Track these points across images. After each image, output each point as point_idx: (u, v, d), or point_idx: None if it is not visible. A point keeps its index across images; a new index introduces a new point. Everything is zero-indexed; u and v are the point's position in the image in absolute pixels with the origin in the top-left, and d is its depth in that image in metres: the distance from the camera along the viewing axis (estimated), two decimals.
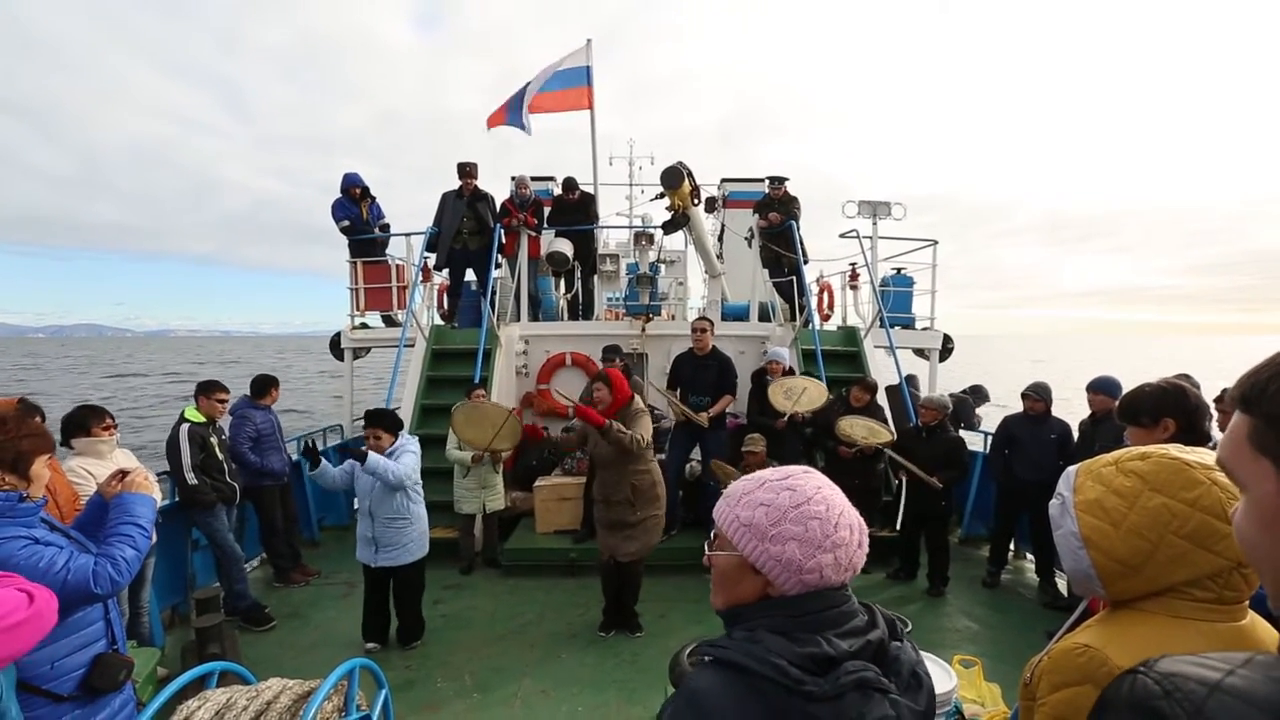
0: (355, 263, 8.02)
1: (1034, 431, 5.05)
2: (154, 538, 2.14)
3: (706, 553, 1.07)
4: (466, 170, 7.57)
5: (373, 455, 3.84)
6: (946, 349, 8.46)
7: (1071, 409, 5.13)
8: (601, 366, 5.95)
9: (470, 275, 8.04)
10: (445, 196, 7.67)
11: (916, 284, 8.73)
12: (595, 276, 8.93)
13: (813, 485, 1.01)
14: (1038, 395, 5.07)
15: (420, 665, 4.04)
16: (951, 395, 6.74)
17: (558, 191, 8.56)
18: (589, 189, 8.96)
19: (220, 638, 3.71)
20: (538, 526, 5.85)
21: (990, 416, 7.50)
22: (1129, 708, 0.59)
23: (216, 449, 4.63)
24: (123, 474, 2.22)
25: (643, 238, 8.35)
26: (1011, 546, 5.67)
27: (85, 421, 3.68)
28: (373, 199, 8.08)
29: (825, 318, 9.72)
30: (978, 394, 9.22)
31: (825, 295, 10.12)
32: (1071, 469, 1.14)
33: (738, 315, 8.90)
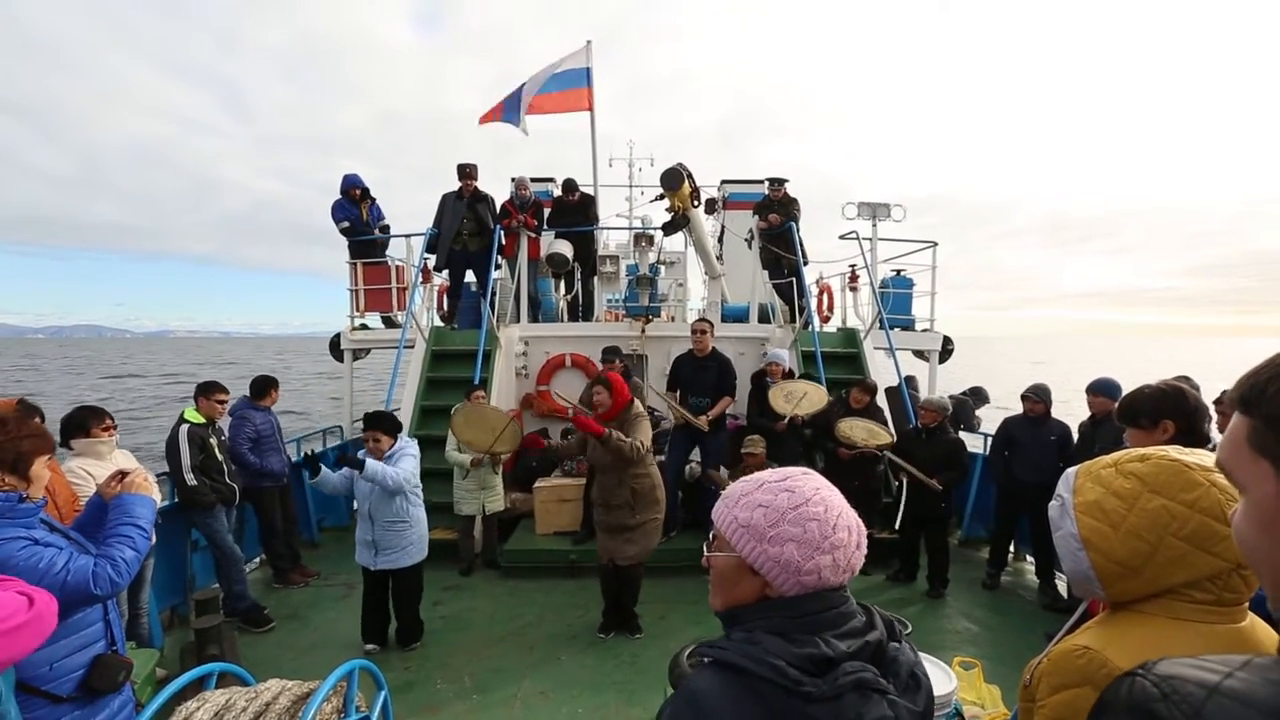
0: (355, 264, 8.03)
1: (1034, 433, 5.05)
2: (153, 539, 2.14)
3: (705, 554, 1.07)
4: (466, 171, 7.57)
5: (370, 462, 3.82)
6: (946, 350, 8.46)
7: (1071, 411, 5.13)
8: (601, 368, 5.95)
9: (470, 276, 8.04)
10: (445, 198, 7.67)
11: (916, 285, 8.73)
12: (595, 278, 8.94)
13: (811, 487, 1.02)
14: (1037, 397, 5.07)
15: (420, 666, 4.04)
16: (951, 397, 6.75)
17: (558, 193, 8.56)
18: (589, 190, 8.97)
19: (219, 639, 3.70)
20: (537, 528, 5.85)
21: (990, 418, 7.50)
22: (1127, 710, 0.59)
23: (216, 450, 4.63)
24: (122, 475, 2.22)
25: (642, 239, 8.36)
26: (1011, 548, 5.67)
27: (85, 422, 3.68)
28: (373, 200, 8.08)
29: (825, 319, 9.72)
30: (977, 396, 9.22)
31: (825, 297, 10.12)
32: (1071, 471, 1.14)
33: (737, 317, 8.91)
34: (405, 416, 6.45)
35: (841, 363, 7.10)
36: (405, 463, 3.99)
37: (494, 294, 7.40)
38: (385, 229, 8.19)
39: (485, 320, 6.81)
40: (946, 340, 8.42)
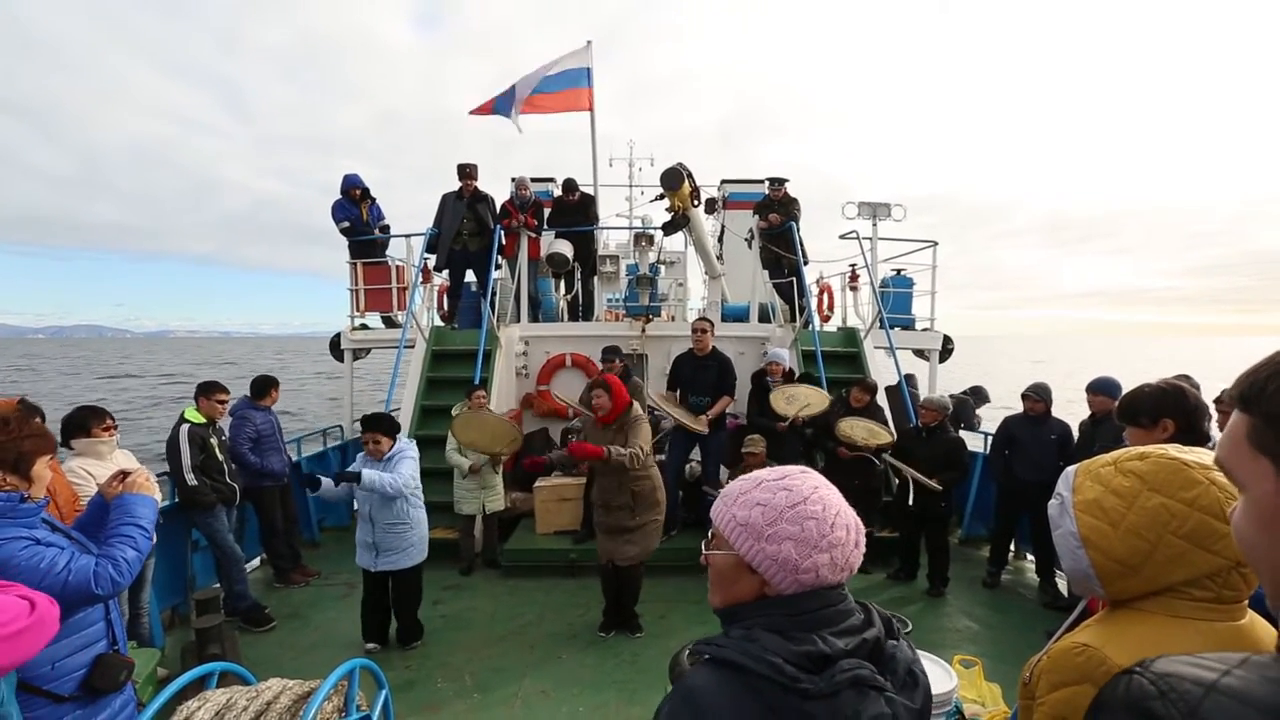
0: (355, 264, 8.03)
1: (1034, 432, 5.05)
2: (154, 539, 2.14)
3: (703, 552, 1.08)
4: (466, 171, 7.57)
5: (367, 474, 3.82)
6: (946, 350, 8.46)
7: (1072, 410, 5.13)
8: (601, 367, 5.95)
9: (470, 276, 8.05)
10: (445, 198, 7.67)
11: (916, 285, 8.73)
12: (595, 277, 8.94)
13: (809, 485, 1.02)
14: (1038, 396, 5.07)
15: (420, 666, 4.04)
16: (952, 396, 6.74)
17: (558, 193, 8.56)
18: (589, 190, 8.96)
19: (220, 638, 3.70)
20: (538, 527, 5.85)
21: (990, 418, 7.50)
22: (1124, 708, 0.59)
23: (216, 450, 4.63)
24: (124, 475, 2.22)
25: (642, 239, 8.36)
26: (1012, 547, 5.67)
27: (85, 422, 3.68)
28: (373, 200, 8.08)
29: (825, 319, 9.72)
30: (978, 395, 9.22)
31: (825, 296, 10.12)
32: (1070, 469, 1.14)
33: (738, 316, 8.91)
34: (405, 416, 6.46)
35: (842, 362, 7.10)
36: (404, 466, 3.98)
37: (494, 294, 7.40)
38: (385, 229, 8.19)
39: (485, 320, 6.81)
40: (947, 339, 8.42)
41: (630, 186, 16.22)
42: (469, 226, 7.61)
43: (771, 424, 5.48)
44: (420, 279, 7.34)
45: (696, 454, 5.99)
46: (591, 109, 9.19)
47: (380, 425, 4.04)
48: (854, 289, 9.32)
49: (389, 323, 8.38)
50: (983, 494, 6.34)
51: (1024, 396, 5.17)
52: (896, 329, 7.63)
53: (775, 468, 1.08)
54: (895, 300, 8.33)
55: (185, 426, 4.49)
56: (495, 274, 7.45)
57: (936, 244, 8.26)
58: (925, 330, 8.44)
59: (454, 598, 5.05)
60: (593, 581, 4.69)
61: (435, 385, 6.83)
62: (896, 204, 8.39)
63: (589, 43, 9.14)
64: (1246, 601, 0.99)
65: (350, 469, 4.13)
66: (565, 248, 7.90)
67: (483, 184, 7.74)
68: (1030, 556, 5.62)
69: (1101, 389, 4.38)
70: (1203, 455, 1.01)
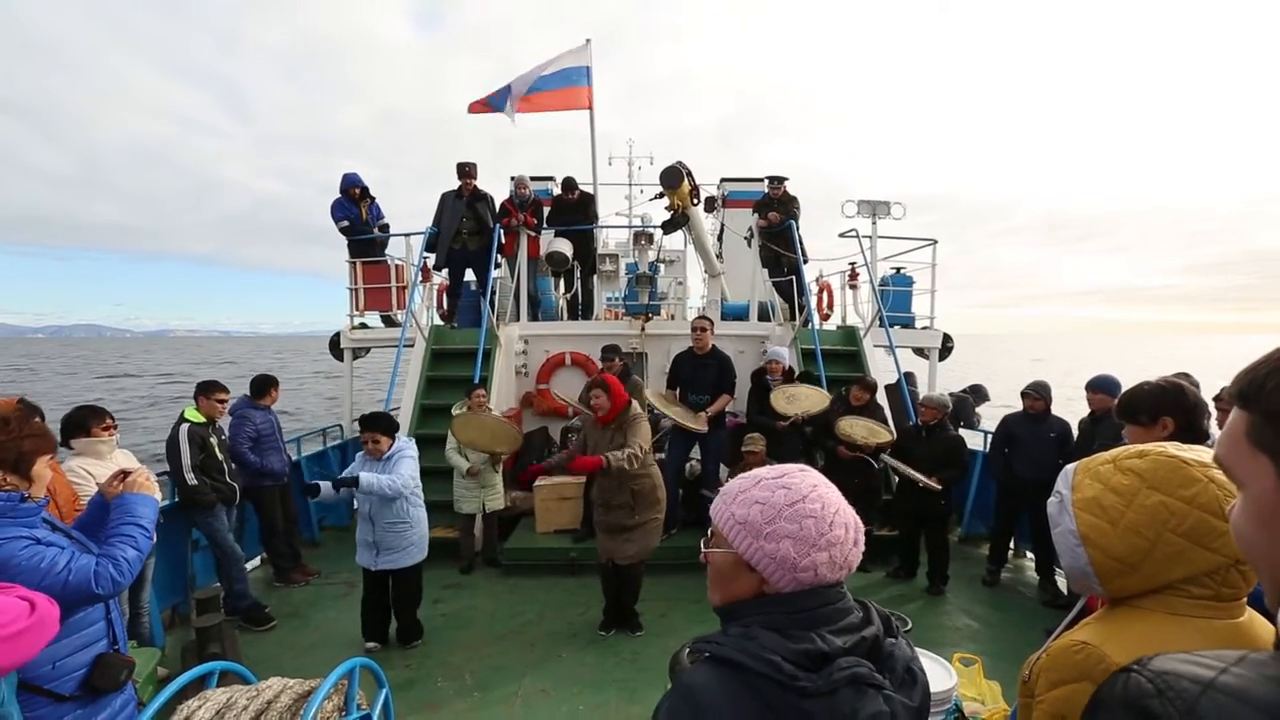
0: (354, 263, 8.02)
1: (1034, 430, 5.05)
2: (154, 538, 2.14)
3: (702, 550, 1.08)
4: (466, 170, 7.57)
5: (365, 478, 3.82)
6: (946, 348, 8.46)
7: (1071, 408, 5.13)
8: (601, 366, 5.95)
9: (470, 275, 8.04)
10: (445, 196, 7.67)
11: (916, 283, 8.73)
12: (595, 276, 8.94)
13: (808, 484, 1.02)
14: (1037, 394, 5.07)
15: (420, 664, 4.04)
16: (951, 394, 6.74)
17: (557, 191, 8.56)
18: (588, 189, 8.96)
19: (220, 637, 3.71)
20: (538, 526, 5.86)
21: (990, 416, 7.50)
22: (1122, 706, 0.59)
23: (216, 449, 4.63)
24: (124, 474, 2.22)
25: (642, 237, 8.35)
26: (1011, 545, 5.68)
27: (85, 422, 3.68)
28: (372, 199, 8.08)
29: (825, 317, 9.72)
30: (977, 393, 9.22)
31: (825, 295, 10.12)
32: (1070, 467, 1.14)
33: (737, 315, 8.90)
34: (405, 415, 6.46)
35: (841, 360, 7.10)
36: (403, 465, 3.98)
37: (494, 293, 7.39)
38: (385, 228, 8.18)
39: (485, 319, 6.81)
40: (946, 338, 8.42)
41: (630, 185, 16.23)
42: (468, 225, 7.60)
43: (771, 422, 5.48)
44: (420, 278, 7.34)
45: (696, 453, 5.99)
46: (591, 108, 9.18)
47: (379, 425, 4.04)
48: (854, 287, 9.32)
49: (388, 322, 8.38)
50: (982, 492, 6.34)
51: (1023, 395, 5.16)
52: (896, 327, 7.63)
53: (775, 466, 1.08)
54: (895, 299, 8.33)
55: (185, 426, 4.49)
56: (495, 273, 7.44)
57: (936, 242, 8.27)
58: (925, 328, 8.44)
59: (454, 596, 5.05)
60: (593, 580, 4.69)
61: (435, 384, 6.83)
62: (896, 202, 8.39)
63: (588, 41, 9.13)
64: (1245, 599, 1.00)
65: (348, 471, 4.13)
66: (565, 246, 7.89)
67: (482, 183, 7.75)
68: (1030, 554, 5.63)
69: (1101, 387, 4.38)
70: (1201, 453, 1.01)
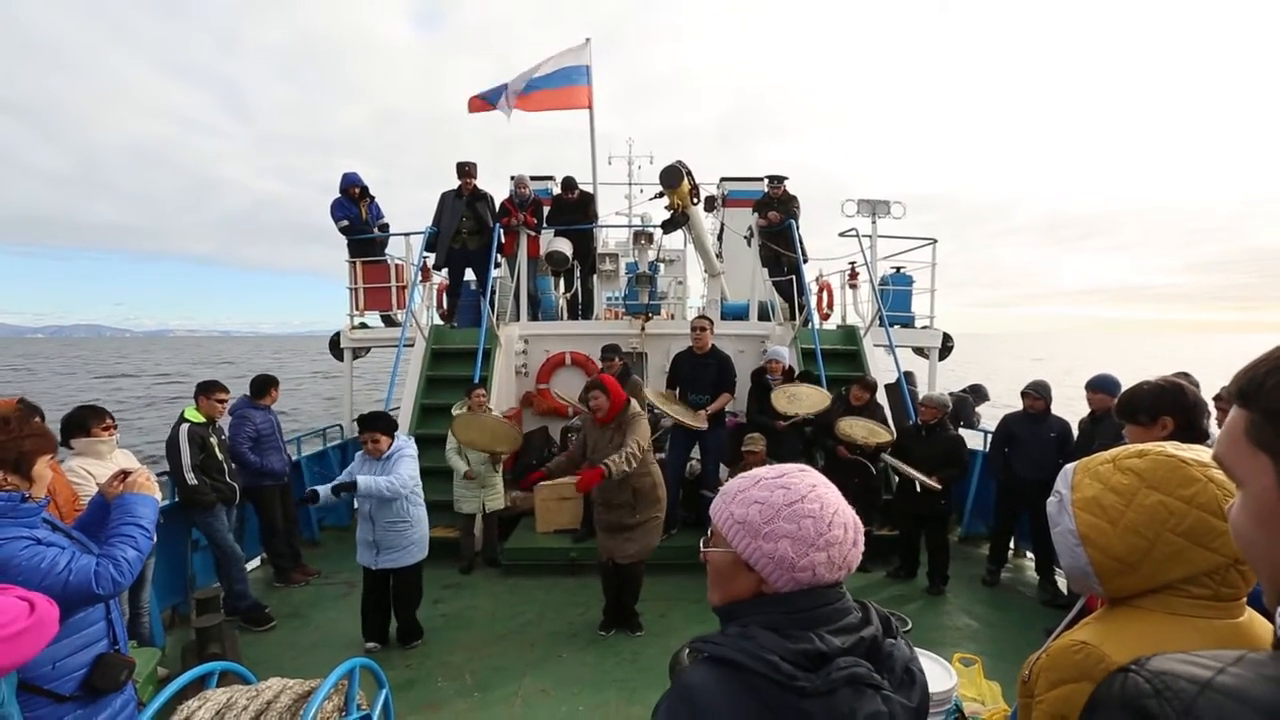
0: (354, 262, 8.02)
1: (1034, 430, 5.05)
2: (154, 538, 2.14)
3: (702, 549, 1.08)
4: (466, 170, 7.57)
5: (362, 481, 3.81)
6: (946, 347, 8.46)
7: (1071, 407, 5.13)
8: (601, 366, 5.95)
9: (470, 275, 8.04)
10: (444, 196, 7.67)
11: (916, 282, 8.73)
12: (594, 276, 8.93)
13: (807, 484, 1.02)
14: (1037, 393, 5.07)
15: (420, 665, 4.04)
16: (951, 394, 6.74)
17: (557, 191, 8.56)
18: (588, 188, 8.96)
19: (220, 638, 3.71)
20: (538, 526, 5.86)
21: (989, 416, 7.49)
22: (1119, 706, 0.58)
23: (216, 449, 4.63)
24: (124, 474, 2.22)
25: (642, 237, 8.35)
26: (1011, 545, 5.67)
27: (85, 422, 3.68)
28: (372, 199, 8.08)
29: (825, 317, 9.72)
30: (977, 393, 9.22)
31: (825, 294, 10.12)
32: (1069, 467, 1.14)
33: (737, 314, 8.91)
34: (405, 415, 6.46)
35: (841, 360, 7.10)
36: (403, 465, 3.98)
37: (493, 292, 7.39)
38: (384, 227, 8.18)
39: (485, 319, 6.81)
40: (946, 337, 8.42)
41: (629, 184, 16.22)
42: (468, 225, 7.60)
43: (771, 422, 5.48)
44: (419, 277, 7.34)
45: (696, 453, 5.99)
46: (591, 107, 9.18)
47: (378, 424, 4.04)
48: (853, 287, 9.32)
49: (388, 321, 8.38)
50: (982, 492, 6.34)
51: (1023, 394, 5.16)
52: (896, 327, 7.63)
53: (774, 466, 1.08)
54: (895, 298, 8.33)
55: (185, 426, 4.49)
56: (494, 272, 7.44)
57: (936, 242, 8.26)
58: (925, 328, 8.44)
59: (454, 597, 5.05)
60: (593, 580, 4.69)
61: (435, 384, 6.83)
62: (896, 201, 8.39)
63: (588, 40, 9.13)
64: (1245, 599, 1.00)
65: (347, 471, 4.13)
66: (564, 246, 7.89)
67: (482, 182, 7.75)
68: (1030, 554, 5.62)
69: (1101, 386, 4.38)
70: (1201, 452, 1.01)
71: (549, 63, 8.94)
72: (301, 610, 4.89)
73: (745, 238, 8.44)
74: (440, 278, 8.38)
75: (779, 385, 5.69)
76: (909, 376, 7.60)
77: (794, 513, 0.98)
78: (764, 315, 8.19)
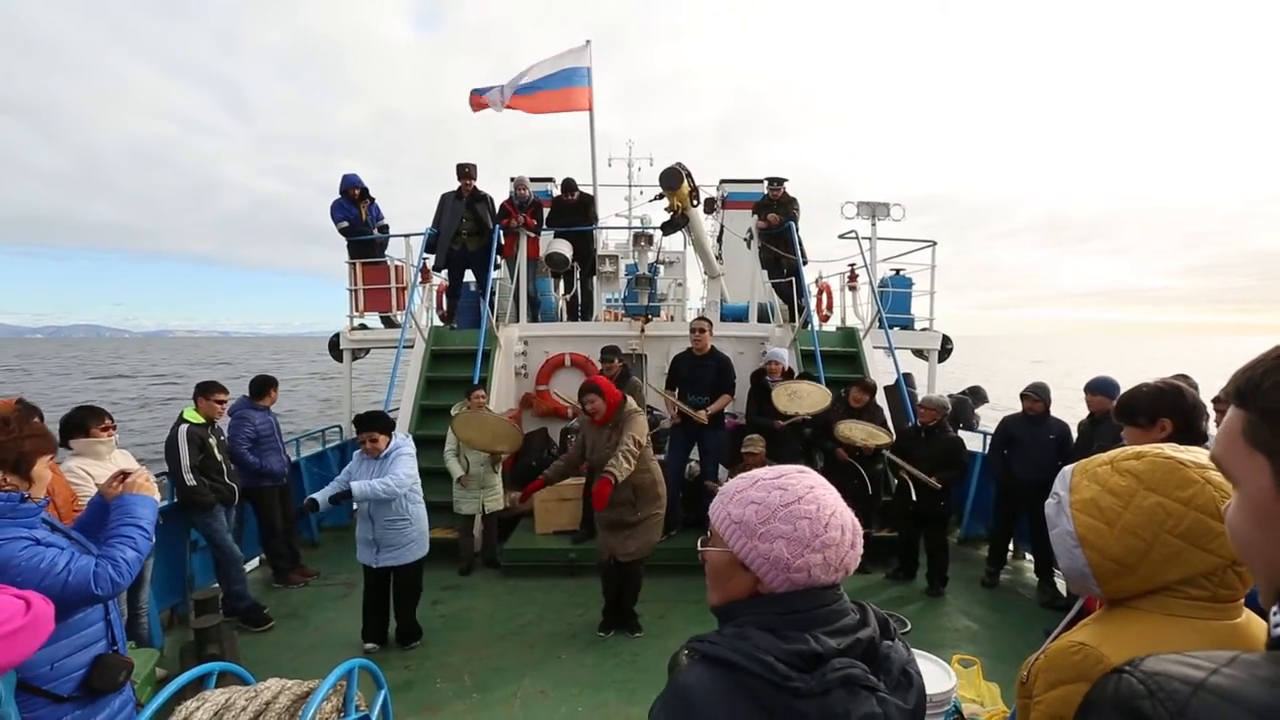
0: (354, 264, 8.02)
1: (1033, 432, 5.05)
2: (153, 539, 2.14)
3: (699, 548, 1.08)
4: (465, 171, 7.57)
5: (356, 488, 3.80)
6: (946, 349, 8.46)
7: (1071, 409, 5.14)
8: (600, 367, 5.95)
9: (469, 276, 8.05)
10: (444, 197, 7.67)
11: (915, 284, 8.73)
12: (594, 277, 8.94)
13: (805, 485, 1.02)
14: (1037, 395, 5.08)
15: (419, 666, 4.04)
16: (950, 396, 6.74)
17: (557, 192, 8.56)
18: (588, 190, 8.96)
19: (219, 638, 3.70)
20: (537, 527, 5.86)
21: (989, 418, 7.49)
22: (1113, 707, 0.58)
23: (215, 450, 4.63)
24: (124, 475, 2.22)
25: (642, 239, 8.36)
26: (1010, 546, 5.68)
27: (84, 422, 3.68)
28: (371, 200, 8.08)
29: (824, 318, 9.72)
30: (976, 395, 9.22)
31: (824, 296, 10.12)
32: (1067, 468, 1.15)
33: (737, 316, 8.91)
34: (404, 416, 6.46)
35: (841, 362, 7.10)
36: (400, 464, 3.98)
37: (493, 294, 7.40)
38: (384, 229, 8.18)
39: (484, 320, 6.81)
40: (946, 339, 8.43)
41: (629, 186, 16.22)
42: (468, 226, 7.61)
43: (770, 422, 5.48)
44: (419, 279, 7.34)
45: (696, 454, 5.99)
46: (591, 109, 9.19)
47: (376, 423, 4.05)
48: (853, 289, 9.32)
49: (388, 323, 8.38)
50: (982, 494, 6.34)
51: (1023, 396, 5.17)
52: (895, 329, 7.63)
53: (773, 467, 1.08)
54: (894, 300, 8.33)
55: (184, 426, 4.49)
56: (494, 274, 7.45)
57: (935, 244, 8.26)
58: (924, 330, 8.44)
59: (453, 598, 5.05)
60: (592, 581, 4.69)
61: (434, 385, 6.83)
62: (895, 203, 8.39)
63: (588, 42, 9.13)
64: (1242, 600, 1.00)
65: (345, 471, 4.13)
66: (564, 247, 7.90)
67: (482, 184, 7.75)
68: (1029, 556, 5.62)
69: (1100, 389, 4.38)
70: (1199, 454, 1.01)
71: (548, 63, 8.94)
72: (300, 611, 4.89)
73: (745, 240, 8.45)
74: (440, 279, 8.38)
75: (779, 383, 5.68)
76: (908, 378, 7.60)
77: (790, 514, 0.98)
78: (763, 317, 8.19)
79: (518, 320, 7.72)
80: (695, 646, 0.97)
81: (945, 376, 8.83)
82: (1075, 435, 4.81)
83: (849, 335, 7.71)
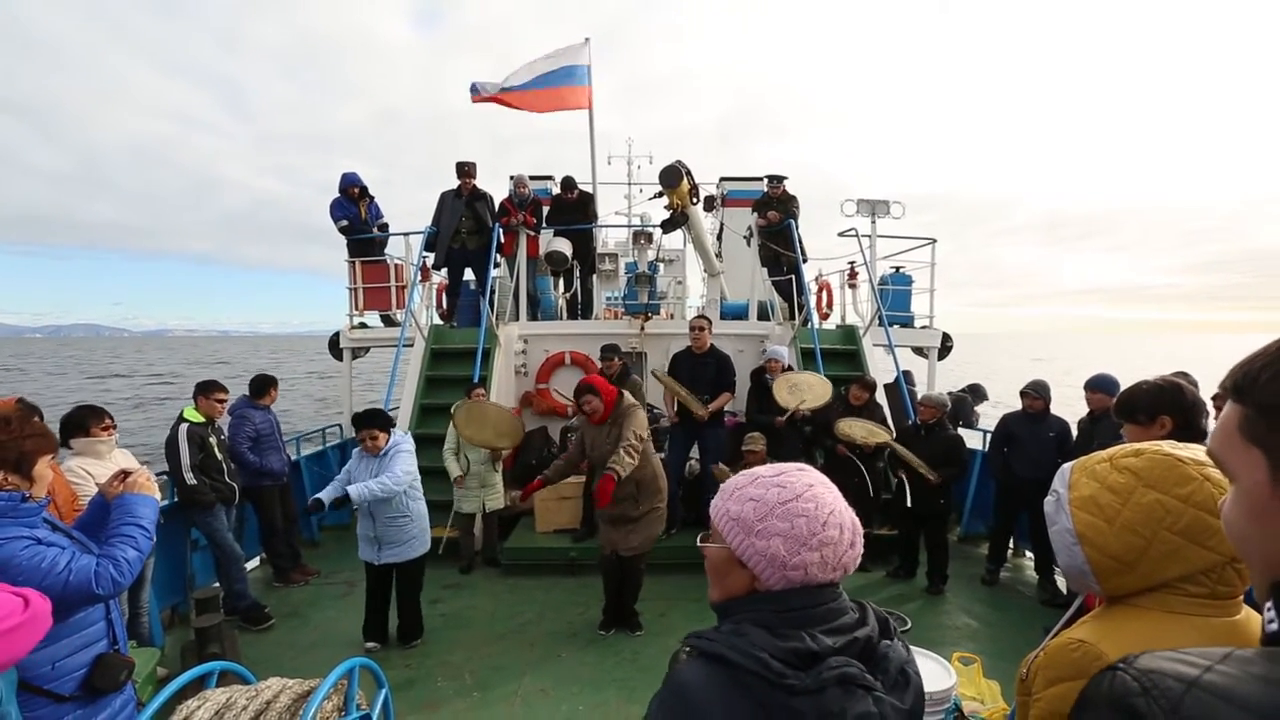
0: (354, 262, 8.01)
1: (1033, 429, 5.05)
2: (154, 538, 2.14)
3: (699, 543, 1.09)
4: (465, 170, 7.56)
5: (353, 491, 3.79)
6: (945, 347, 8.46)
7: (1071, 407, 5.14)
8: (600, 366, 5.95)
9: (469, 275, 8.04)
10: (444, 196, 7.67)
11: (915, 282, 8.73)
12: (594, 276, 8.93)
13: (804, 483, 1.02)
14: (1037, 393, 5.07)
15: (420, 664, 4.05)
16: (950, 394, 6.74)
17: (556, 191, 8.56)
18: (588, 188, 8.96)
19: (220, 637, 3.71)
20: (537, 526, 5.86)
21: (989, 416, 7.49)
22: (1108, 705, 0.59)
23: (215, 449, 4.63)
24: (125, 474, 2.22)
25: (641, 237, 8.35)
26: (1010, 544, 5.68)
27: (84, 422, 3.68)
28: (371, 198, 8.07)
29: (824, 316, 9.72)
30: (976, 393, 9.22)
31: (824, 294, 10.12)
32: (1066, 466, 1.15)
33: (736, 314, 8.91)
34: (404, 415, 6.46)
35: (841, 360, 7.10)
36: (398, 462, 3.98)
37: (493, 292, 7.39)
38: (384, 227, 8.18)
39: (484, 318, 6.81)
40: (946, 337, 8.42)
41: (629, 184, 16.21)
42: (468, 225, 7.60)
43: (771, 420, 5.48)
44: (419, 277, 7.34)
45: (695, 453, 5.99)
46: (590, 107, 9.17)
47: (375, 421, 4.05)
48: (853, 286, 9.32)
49: (388, 321, 8.37)
50: (981, 492, 6.34)
51: (1023, 394, 5.17)
52: (895, 326, 7.63)
53: (774, 465, 1.08)
54: (894, 298, 8.33)
55: (184, 426, 4.49)
56: (494, 272, 7.44)
57: (935, 241, 8.27)
58: (924, 328, 8.44)
59: (454, 596, 5.05)
60: (593, 580, 4.69)
61: (434, 384, 6.84)
62: (895, 201, 8.39)
63: (587, 40, 9.11)
64: (1241, 597, 1.00)
65: (344, 470, 4.13)
66: (564, 246, 7.89)
67: (481, 182, 7.74)
68: (1029, 554, 5.63)
69: (1100, 386, 4.38)
70: (1197, 451, 1.01)
71: (546, 60, 8.91)
72: (301, 610, 4.89)
73: (745, 237, 8.44)
74: (440, 277, 8.38)
75: (779, 376, 5.66)
76: (908, 376, 7.60)
77: (787, 511, 0.98)
78: (763, 315, 8.19)
79: (517, 319, 7.72)
80: (693, 643, 0.97)
81: (945, 374, 8.83)
82: (1075, 433, 4.82)
83: (849, 333, 7.71)
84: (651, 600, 4.64)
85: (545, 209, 8.36)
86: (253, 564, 5.55)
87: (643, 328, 7.31)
